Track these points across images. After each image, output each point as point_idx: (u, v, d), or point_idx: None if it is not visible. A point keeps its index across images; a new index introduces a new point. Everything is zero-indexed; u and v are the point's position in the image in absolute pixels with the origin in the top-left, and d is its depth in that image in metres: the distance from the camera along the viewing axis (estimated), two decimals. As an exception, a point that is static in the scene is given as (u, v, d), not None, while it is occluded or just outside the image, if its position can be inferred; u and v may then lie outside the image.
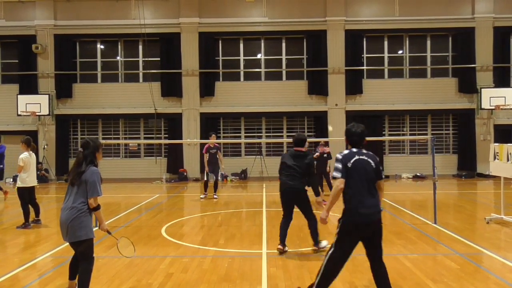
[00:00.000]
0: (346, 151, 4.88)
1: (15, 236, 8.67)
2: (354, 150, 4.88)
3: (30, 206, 9.52)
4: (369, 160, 4.81)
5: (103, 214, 5.15)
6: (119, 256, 5.24)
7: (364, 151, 4.90)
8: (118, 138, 20.58)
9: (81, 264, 4.93)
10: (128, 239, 5.47)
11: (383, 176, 4.95)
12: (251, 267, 6.42)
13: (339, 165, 4.75)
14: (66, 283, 5.33)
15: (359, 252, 7.21)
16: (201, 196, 13.71)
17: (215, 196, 13.61)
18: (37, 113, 19.46)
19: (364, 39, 20.32)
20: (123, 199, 14.20)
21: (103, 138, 20.05)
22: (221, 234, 8.65)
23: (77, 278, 4.97)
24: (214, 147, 13.47)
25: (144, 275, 6.04)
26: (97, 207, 4.90)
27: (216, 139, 14.40)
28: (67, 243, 5.03)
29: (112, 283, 5.74)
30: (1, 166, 13.26)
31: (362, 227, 4.71)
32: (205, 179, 13.65)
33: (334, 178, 4.75)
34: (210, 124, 20.11)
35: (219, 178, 14.31)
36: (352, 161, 4.75)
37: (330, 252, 4.82)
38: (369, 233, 4.75)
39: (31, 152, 9.49)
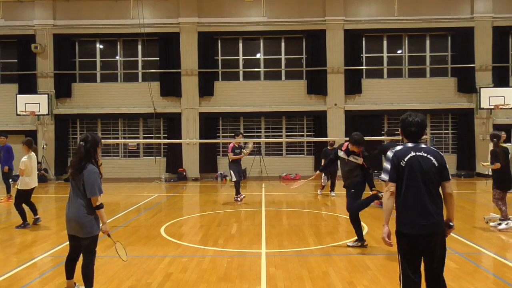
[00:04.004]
0: (399, 147, 4.09)
1: (14, 236, 8.65)
2: (410, 145, 4.06)
3: (25, 205, 9.41)
4: (430, 157, 3.97)
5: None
6: (118, 256, 5.23)
7: (423, 145, 4.07)
8: (117, 138, 20.57)
9: (84, 258, 5.05)
10: (121, 243, 5.42)
11: (450, 177, 4.07)
12: (250, 266, 6.41)
13: (388, 166, 4.02)
14: (65, 283, 5.33)
15: (358, 251, 7.25)
16: (238, 199, 12.62)
17: (239, 198, 12.73)
18: (36, 113, 19.44)
19: (363, 38, 20.32)
20: (122, 198, 14.19)
21: (102, 138, 19.94)
22: (220, 233, 8.65)
23: (81, 274, 5.04)
24: (239, 147, 12.92)
25: (143, 275, 6.04)
26: (99, 206, 4.95)
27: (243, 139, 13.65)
28: (66, 243, 5.04)
29: (111, 283, 5.74)
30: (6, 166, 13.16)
31: (419, 240, 3.97)
32: (235, 179, 12.64)
33: (383, 181, 4.07)
34: (209, 124, 20.12)
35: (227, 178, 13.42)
36: (406, 158, 3.97)
37: (400, 274, 4.14)
38: (428, 246, 3.99)
39: (32, 153, 9.38)
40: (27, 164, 9.18)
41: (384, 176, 4.04)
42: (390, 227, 4.11)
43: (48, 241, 8.11)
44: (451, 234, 4.36)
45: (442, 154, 4.07)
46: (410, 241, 3.99)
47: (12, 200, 12.71)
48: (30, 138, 9.71)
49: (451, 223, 4.16)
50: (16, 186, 9.43)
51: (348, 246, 7.43)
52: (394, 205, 4.06)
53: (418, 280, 4.02)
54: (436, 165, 3.96)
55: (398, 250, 4.11)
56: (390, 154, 4.05)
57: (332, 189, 13.94)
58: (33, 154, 9.47)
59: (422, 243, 3.97)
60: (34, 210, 9.58)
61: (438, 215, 3.94)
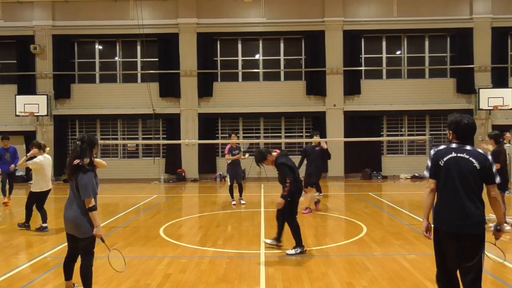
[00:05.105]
0: (442, 147, 4.21)
1: (13, 236, 8.64)
2: (453, 146, 4.15)
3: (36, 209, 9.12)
4: (471, 159, 4.00)
5: (99, 216, 5.12)
6: (117, 257, 5.23)
7: (468, 147, 4.12)
8: (117, 139, 20.56)
9: (83, 259, 5.05)
10: (119, 251, 5.41)
11: (497, 181, 4.03)
12: (249, 267, 6.41)
13: (429, 163, 4.19)
14: (64, 284, 5.33)
15: (357, 252, 7.25)
16: (233, 203, 12.40)
17: (242, 202, 12.56)
18: (35, 114, 19.42)
19: (362, 39, 20.32)
20: (121, 199, 14.19)
21: (101, 139, 20.02)
22: (219, 234, 8.65)
23: (79, 275, 5.03)
24: (237, 148, 12.66)
25: (142, 276, 6.04)
26: (91, 208, 4.90)
27: (237, 139, 13.37)
28: (65, 244, 5.04)
29: (110, 283, 5.74)
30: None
31: (449, 238, 4.03)
32: (230, 183, 12.44)
33: (425, 177, 4.26)
34: (208, 124, 20.12)
35: (238, 180, 12.65)
36: (445, 158, 4.07)
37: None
38: (460, 245, 3.99)
39: (45, 155, 9.05)
40: (37, 164, 8.83)
41: (426, 173, 4.23)
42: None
43: (47, 242, 8.10)
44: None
45: (489, 158, 4.06)
46: (443, 237, 4.09)
47: (11, 202, 12.72)
48: (35, 140, 9.35)
49: (498, 227, 4.20)
50: (31, 189, 9.18)
51: (288, 254, 7.02)
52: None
53: (447, 274, 4.17)
54: (478, 167, 3.98)
55: (433, 244, 4.25)
56: (432, 152, 4.22)
57: (318, 190, 13.37)
58: (46, 155, 9.11)
59: (454, 241, 4.01)
60: (44, 218, 9.06)
61: (477, 217, 3.97)
